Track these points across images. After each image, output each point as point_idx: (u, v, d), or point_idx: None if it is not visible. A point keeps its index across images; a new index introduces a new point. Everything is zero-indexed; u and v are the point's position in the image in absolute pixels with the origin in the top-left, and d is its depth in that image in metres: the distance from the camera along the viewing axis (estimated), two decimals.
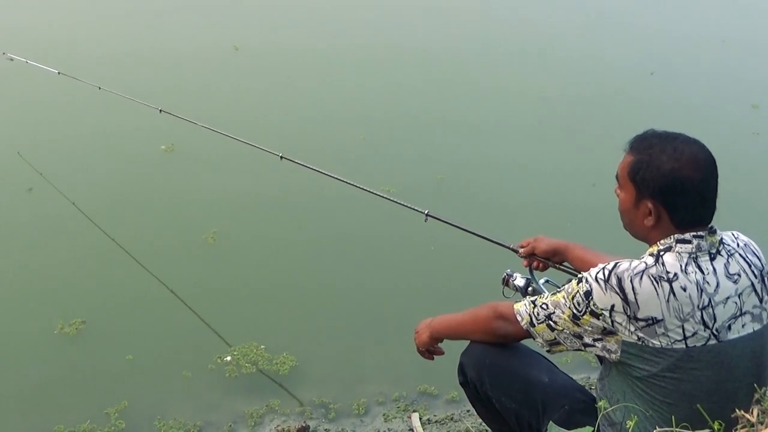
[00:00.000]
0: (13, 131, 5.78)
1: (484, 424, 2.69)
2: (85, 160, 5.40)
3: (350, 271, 4.36)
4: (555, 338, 1.97)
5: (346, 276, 4.31)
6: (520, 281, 2.45)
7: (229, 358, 3.61)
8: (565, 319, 1.92)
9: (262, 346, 3.68)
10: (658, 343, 1.80)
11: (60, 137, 5.74)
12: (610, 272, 1.83)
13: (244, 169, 5.20)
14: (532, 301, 2.03)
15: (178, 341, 3.75)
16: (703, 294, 1.80)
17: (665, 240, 1.86)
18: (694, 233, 1.84)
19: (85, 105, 5.97)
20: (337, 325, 3.93)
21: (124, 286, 4.09)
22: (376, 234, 4.65)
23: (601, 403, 1.93)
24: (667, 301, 1.78)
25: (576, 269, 2.34)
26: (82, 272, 4.19)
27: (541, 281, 2.43)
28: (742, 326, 1.83)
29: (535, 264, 2.47)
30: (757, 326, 1.86)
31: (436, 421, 3.38)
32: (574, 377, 2.44)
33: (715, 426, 1.62)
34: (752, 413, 1.71)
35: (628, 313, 1.80)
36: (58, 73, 5.02)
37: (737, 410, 1.73)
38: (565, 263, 2.42)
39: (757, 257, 1.91)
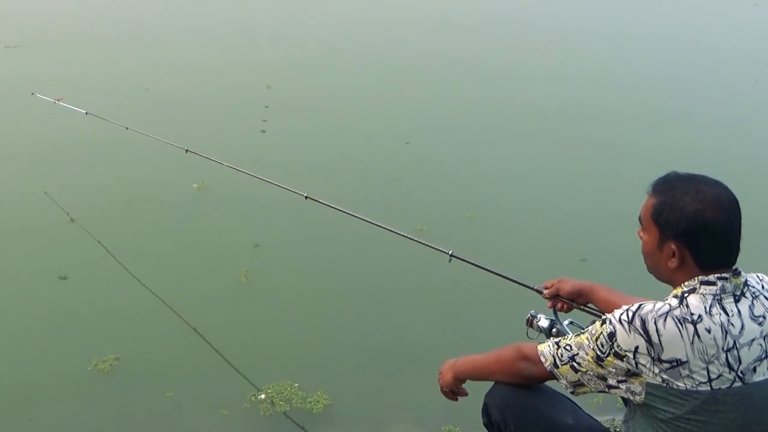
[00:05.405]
0: (40, 171, 5.85)
1: None
2: (114, 200, 5.45)
3: (377, 309, 4.35)
4: (579, 380, 1.97)
5: (371, 313, 4.31)
6: (544, 322, 2.44)
7: (263, 396, 3.59)
8: (588, 360, 1.92)
9: (296, 384, 3.65)
10: (683, 385, 1.79)
11: (88, 176, 5.81)
12: (634, 314, 1.83)
13: (274, 207, 5.24)
14: (555, 343, 2.03)
15: (209, 379, 3.74)
16: (728, 336, 1.79)
17: (689, 282, 1.86)
18: (719, 275, 1.84)
19: (113, 145, 6.04)
20: (365, 364, 3.92)
21: (158, 324, 4.10)
22: (402, 273, 4.65)
23: None
24: (692, 342, 1.78)
25: (600, 311, 2.34)
26: (117, 309, 4.21)
27: (566, 322, 2.43)
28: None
29: (559, 305, 2.47)
30: None
31: None
32: (599, 419, 2.41)
33: None
34: None
35: (652, 355, 1.80)
36: (86, 113, 5.12)
37: None
38: (590, 305, 2.42)
39: None
